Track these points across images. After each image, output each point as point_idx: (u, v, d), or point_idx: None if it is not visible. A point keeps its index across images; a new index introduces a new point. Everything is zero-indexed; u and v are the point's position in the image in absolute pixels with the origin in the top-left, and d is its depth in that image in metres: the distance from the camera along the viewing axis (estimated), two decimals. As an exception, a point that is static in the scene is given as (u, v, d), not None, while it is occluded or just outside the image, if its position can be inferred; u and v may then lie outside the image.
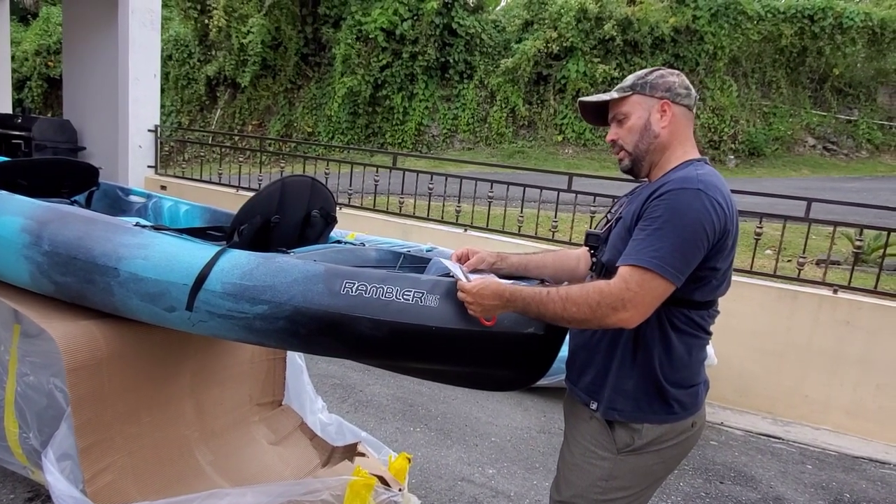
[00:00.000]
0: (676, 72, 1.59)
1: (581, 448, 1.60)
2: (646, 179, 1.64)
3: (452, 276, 1.61)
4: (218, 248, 1.84)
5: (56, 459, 1.94)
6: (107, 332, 1.99)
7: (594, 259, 1.64)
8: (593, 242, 1.65)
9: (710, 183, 1.43)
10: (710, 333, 1.57)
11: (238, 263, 1.78)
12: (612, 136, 1.62)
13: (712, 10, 12.59)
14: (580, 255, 1.79)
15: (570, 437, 1.67)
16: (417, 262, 2.23)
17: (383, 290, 1.64)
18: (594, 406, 1.57)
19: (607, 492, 1.55)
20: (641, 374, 1.52)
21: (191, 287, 1.78)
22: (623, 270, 1.41)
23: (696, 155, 1.57)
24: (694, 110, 1.61)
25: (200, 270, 1.78)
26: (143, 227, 2.04)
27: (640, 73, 1.60)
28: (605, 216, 1.72)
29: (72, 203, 2.86)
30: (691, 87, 1.59)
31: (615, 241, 1.55)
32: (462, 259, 1.77)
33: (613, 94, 1.60)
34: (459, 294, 1.55)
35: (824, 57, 13.35)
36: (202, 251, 1.84)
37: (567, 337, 1.70)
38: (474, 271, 1.72)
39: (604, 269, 1.57)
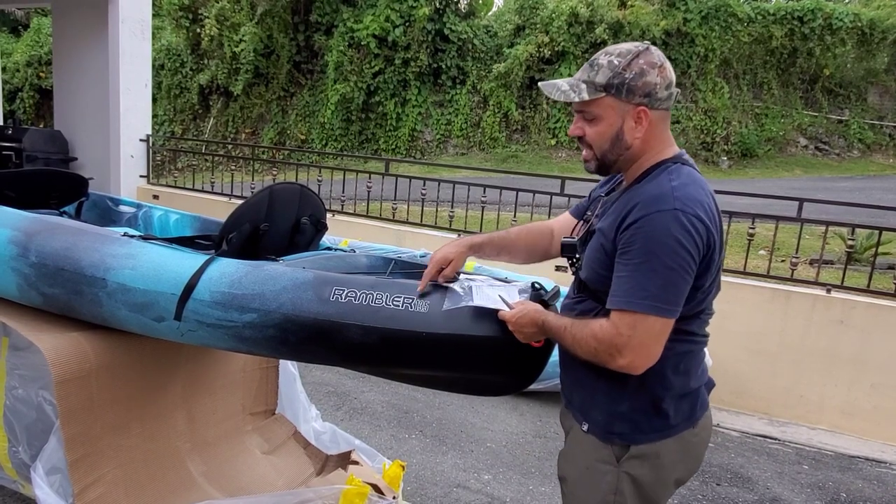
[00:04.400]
0: (658, 61, 1.37)
1: (582, 464, 1.53)
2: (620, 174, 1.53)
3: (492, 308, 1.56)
4: (206, 257, 1.83)
5: (45, 473, 1.92)
6: (95, 343, 1.97)
7: (573, 270, 1.56)
8: (570, 252, 1.55)
9: (688, 196, 1.32)
10: (706, 335, 1.50)
11: (226, 272, 1.77)
12: (576, 131, 1.45)
13: (703, 12, 12.66)
14: (554, 231, 1.70)
15: (571, 451, 1.59)
16: (408, 268, 2.22)
17: (373, 296, 1.63)
18: (585, 427, 1.51)
19: None
20: (635, 392, 1.43)
21: (179, 297, 1.76)
22: (614, 315, 1.34)
23: (671, 152, 1.43)
24: (672, 106, 1.45)
25: (189, 280, 1.77)
26: (132, 236, 2.03)
27: (615, 62, 1.36)
28: (582, 217, 1.63)
29: (61, 214, 2.84)
30: (673, 79, 1.40)
31: (591, 259, 1.46)
32: (442, 264, 1.66)
33: (583, 93, 1.38)
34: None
35: (815, 58, 13.42)
36: (190, 260, 1.83)
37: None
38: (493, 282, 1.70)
39: (583, 285, 1.50)
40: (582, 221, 1.62)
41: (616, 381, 1.43)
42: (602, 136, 1.41)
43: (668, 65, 1.39)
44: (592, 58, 1.42)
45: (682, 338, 1.42)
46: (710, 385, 1.57)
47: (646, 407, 1.44)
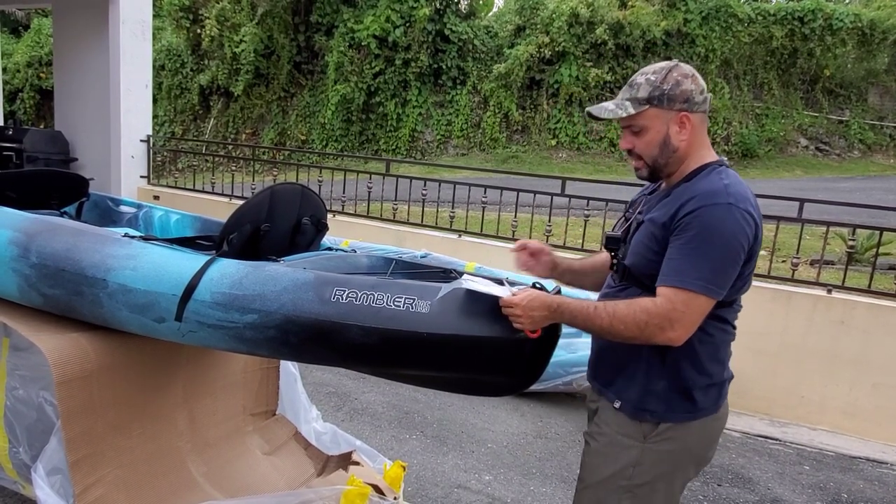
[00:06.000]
0: (689, 72, 1.53)
1: (607, 437, 1.62)
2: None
3: (486, 294, 1.55)
4: (207, 258, 1.83)
5: (46, 474, 1.92)
6: (96, 344, 1.97)
7: (615, 261, 1.65)
8: (613, 245, 1.65)
9: (739, 193, 1.45)
10: (735, 328, 1.62)
11: (227, 273, 1.77)
12: (627, 144, 1.59)
13: (703, 13, 12.67)
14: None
15: (598, 426, 1.67)
16: (409, 268, 2.22)
17: (374, 296, 1.63)
18: (617, 405, 1.60)
19: (634, 477, 1.56)
20: (672, 374, 1.53)
21: (180, 297, 1.76)
22: (667, 292, 1.43)
23: (713, 156, 1.57)
24: (708, 109, 1.58)
25: (189, 280, 1.77)
26: (132, 237, 2.03)
27: (652, 78, 1.52)
28: (624, 215, 1.72)
29: (62, 214, 2.84)
30: (705, 86, 1.55)
31: (639, 245, 1.55)
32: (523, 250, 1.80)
33: (629, 109, 1.53)
34: (505, 309, 1.53)
35: (815, 58, 13.43)
36: (191, 261, 1.83)
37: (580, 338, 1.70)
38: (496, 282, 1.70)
39: (627, 272, 1.59)
40: (623, 219, 1.72)
41: (656, 361, 1.54)
42: (651, 144, 1.54)
43: (697, 74, 1.55)
44: (630, 80, 1.57)
45: (719, 325, 1.55)
46: (730, 377, 1.68)
47: (680, 389, 1.55)
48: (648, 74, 1.53)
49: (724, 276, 1.44)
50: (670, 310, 1.41)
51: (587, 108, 1.63)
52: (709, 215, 1.42)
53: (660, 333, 1.43)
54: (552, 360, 1.73)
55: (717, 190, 1.45)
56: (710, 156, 1.56)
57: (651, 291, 1.49)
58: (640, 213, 1.62)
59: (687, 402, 1.55)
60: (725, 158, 1.58)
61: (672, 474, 1.59)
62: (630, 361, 1.58)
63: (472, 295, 1.57)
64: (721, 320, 1.54)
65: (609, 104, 1.56)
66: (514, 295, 1.54)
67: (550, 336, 1.63)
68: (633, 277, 1.57)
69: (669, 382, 1.54)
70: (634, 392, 1.58)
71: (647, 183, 1.69)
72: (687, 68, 1.53)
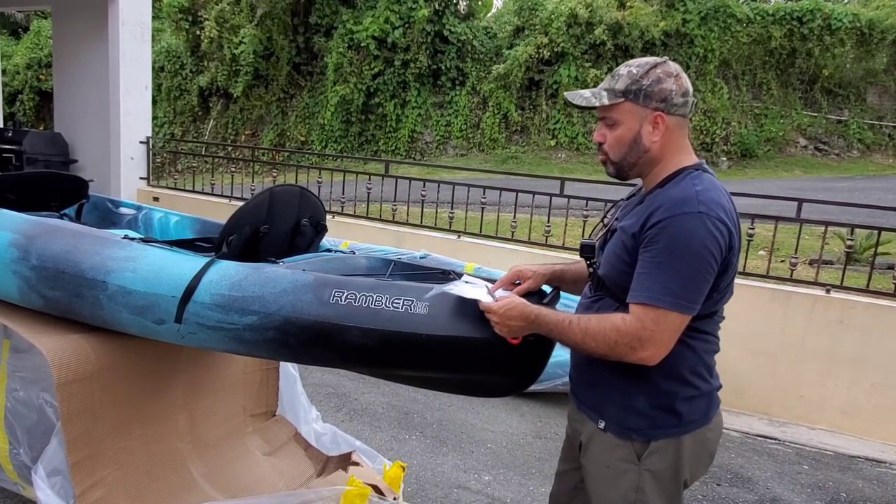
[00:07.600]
0: (675, 71, 1.46)
1: (602, 463, 1.56)
2: (640, 181, 1.57)
3: (472, 299, 1.55)
4: (206, 260, 1.84)
5: (46, 475, 1.93)
6: (97, 345, 1.98)
7: (591, 270, 1.58)
8: (588, 253, 1.58)
9: (711, 200, 1.38)
10: (718, 338, 1.54)
11: (227, 274, 1.78)
12: (599, 137, 1.52)
13: (702, 13, 12.68)
14: None
15: (590, 452, 1.60)
16: (408, 270, 2.23)
17: (373, 298, 1.64)
18: (601, 425, 1.54)
19: (638, 501, 1.51)
20: (651, 389, 1.47)
21: (179, 299, 1.77)
22: (637, 309, 1.38)
23: (691, 160, 1.49)
24: (690, 115, 1.50)
25: (189, 282, 1.77)
26: (132, 239, 2.04)
27: (634, 71, 1.45)
28: (601, 221, 1.66)
29: (61, 216, 2.85)
30: (690, 89, 1.47)
31: (611, 254, 1.50)
32: (512, 278, 1.69)
33: (604, 99, 1.47)
34: (486, 314, 1.51)
35: (814, 58, 13.45)
36: (191, 263, 1.83)
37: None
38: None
39: (601, 283, 1.53)
40: (601, 224, 1.66)
41: (632, 378, 1.47)
42: (621, 139, 1.48)
43: (684, 75, 1.48)
44: (614, 70, 1.51)
45: (700, 336, 1.47)
46: (718, 386, 1.60)
47: (662, 404, 1.48)
48: (632, 67, 1.46)
49: (696, 291, 1.36)
50: (639, 329, 1.36)
51: (565, 93, 1.56)
52: (678, 226, 1.35)
53: (631, 353, 1.37)
54: (551, 360, 1.73)
55: (687, 197, 1.38)
56: (688, 160, 1.48)
57: (624, 304, 1.43)
58: (616, 219, 1.56)
59: (671, 416, 1.48)
60: (704, 161, 1.51)
61: (673, 490, 1.53)
62: (605, 377, 1.52)
63: (462, 297, 1.57)
64: (700, 332, 1.46)
65: (586, 91, 1.50)
66: (494, 300, 1.51)
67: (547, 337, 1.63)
68: (606, 288, 1.51)
69: (649, 398, 1.47)
70: (615, 410, 1.51)
71: (638, 182, 1.60)
72: (673, 67, 1.46)
